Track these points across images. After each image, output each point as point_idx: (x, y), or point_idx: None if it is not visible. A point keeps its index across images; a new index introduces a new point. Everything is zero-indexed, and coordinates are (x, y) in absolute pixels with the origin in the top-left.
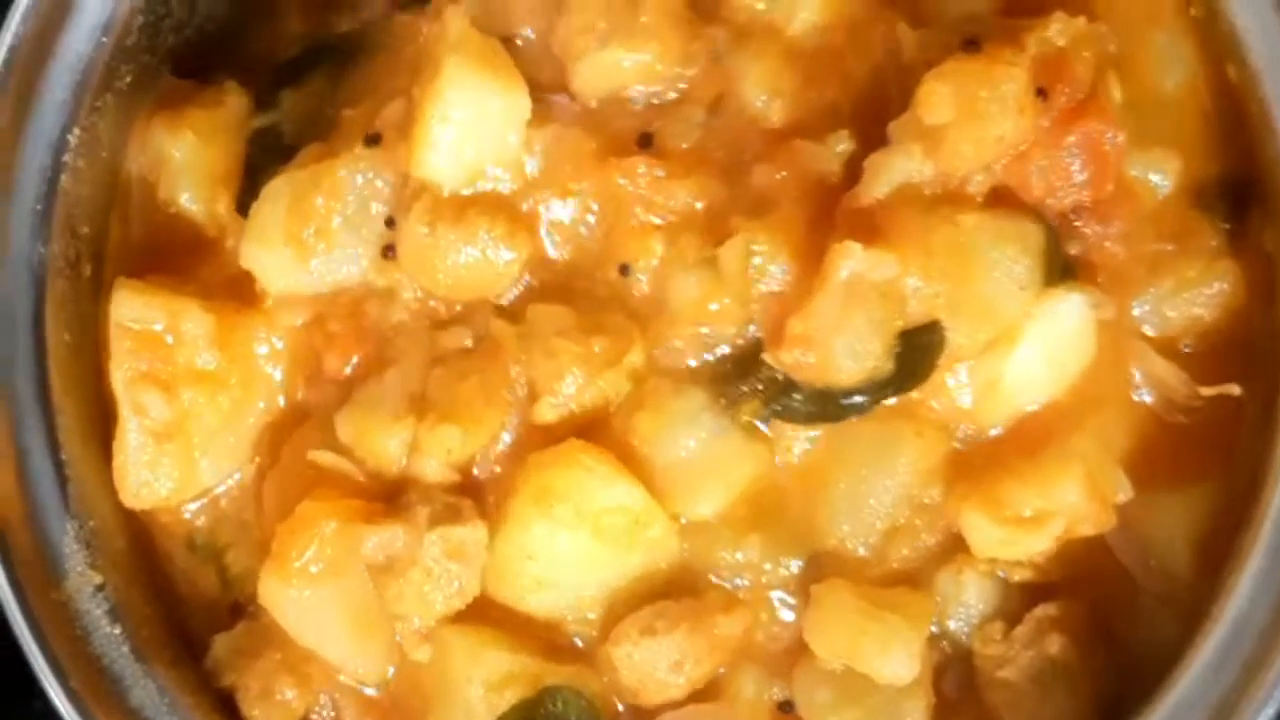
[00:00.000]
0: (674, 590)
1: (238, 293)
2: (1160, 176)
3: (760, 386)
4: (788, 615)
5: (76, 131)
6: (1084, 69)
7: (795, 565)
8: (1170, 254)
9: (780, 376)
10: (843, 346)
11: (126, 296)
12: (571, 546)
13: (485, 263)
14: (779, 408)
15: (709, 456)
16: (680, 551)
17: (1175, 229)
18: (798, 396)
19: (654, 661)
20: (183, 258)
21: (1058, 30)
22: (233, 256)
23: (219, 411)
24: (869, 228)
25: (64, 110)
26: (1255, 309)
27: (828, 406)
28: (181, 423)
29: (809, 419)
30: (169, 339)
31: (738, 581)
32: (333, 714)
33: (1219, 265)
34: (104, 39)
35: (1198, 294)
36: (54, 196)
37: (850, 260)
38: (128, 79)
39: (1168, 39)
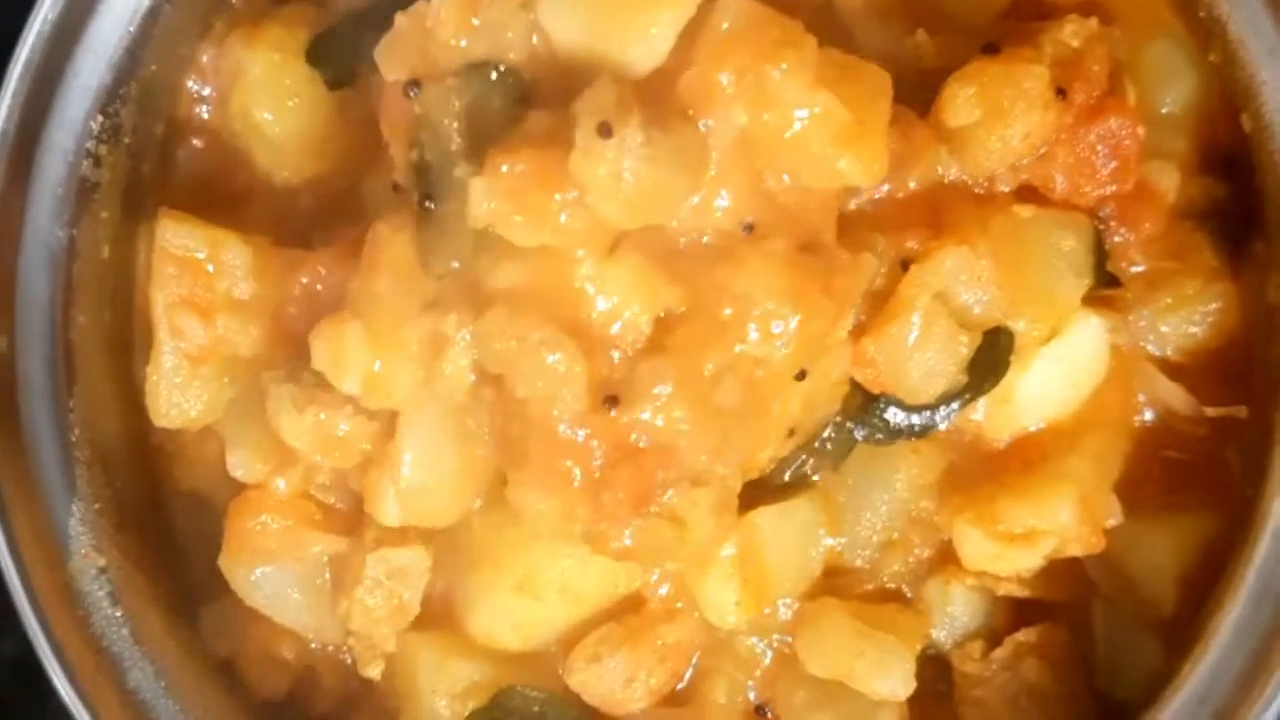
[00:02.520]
0: (618, 611)
1: (276, 229)
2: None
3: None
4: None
5: (100, 118)
6: (1100, 68)
7: None
8: (1170, 270)
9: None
10: (917, 369)
11: (171, 224)
12: (541, 605)
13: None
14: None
15: None
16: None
17: (1177, 246)
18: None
19: (607, 683)
20: (226, 198)
21: (1072, 31)
22: (280, 191)
23: (250, 340)
24: (934, 222)
25: (88, 96)
26: (1251, 336)
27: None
28: (215, 348)
29: (892, 438)
30: (210, 267)
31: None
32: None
33: (1217, 286)
34: (130, 27)
35: (1194, 311)
36: (75, 181)
37: (929, 269)
38: (153, 67)
39: (1167, 55)
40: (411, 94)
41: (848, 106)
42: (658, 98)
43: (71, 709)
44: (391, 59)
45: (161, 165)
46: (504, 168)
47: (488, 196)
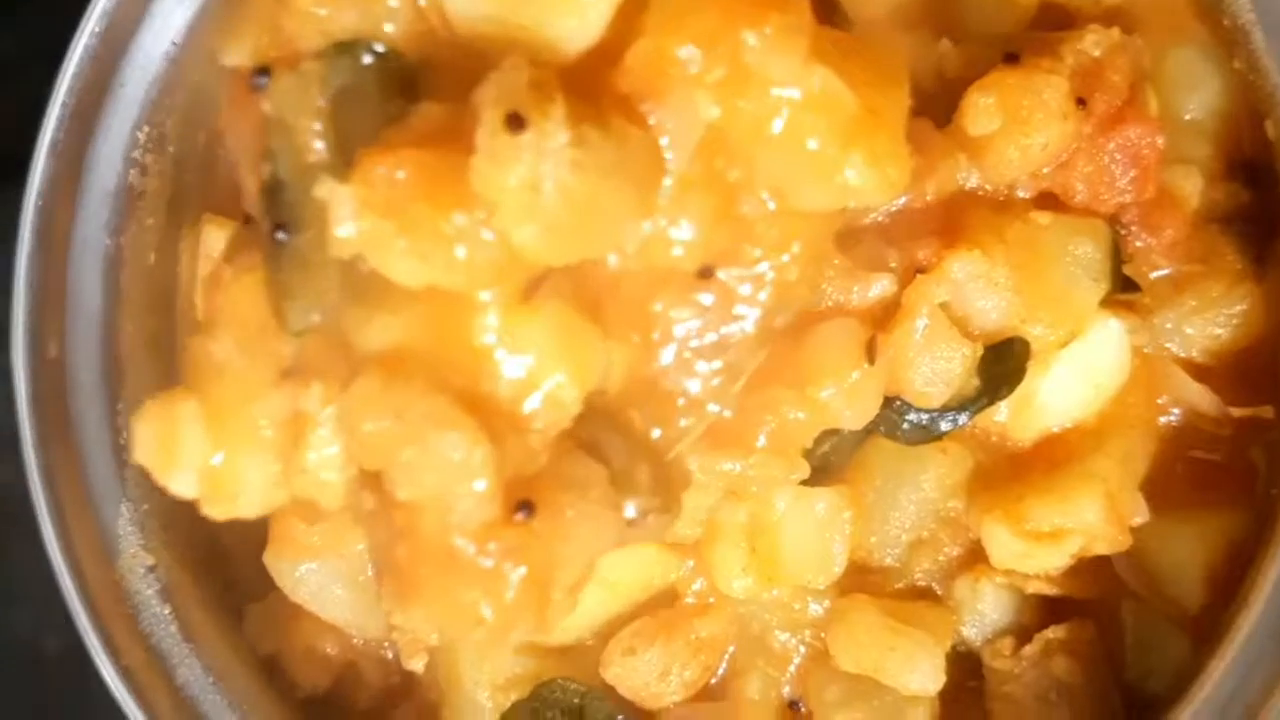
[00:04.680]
0: (652, 605)
1: None
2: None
3: None
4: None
5: (146, 129)
6: (1120, 78)
7: None
8: (1195, 274)
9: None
10: (925, 372)
11: (215, 230)
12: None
13: None
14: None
15: None
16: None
17: (1202, 249)
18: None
19: (642, 676)
20: None
21: (1093, 41)
22: None
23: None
24: (949, 230)
25: (135, 106)
26: (1276, 337)
27: (929, 428)
28: None
29: (911, 440)
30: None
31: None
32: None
33: (1241, 288)
34: (174, 40)
35: (1218, 314)
36: (122, 190)
37: (935, 278)
38: (195, 78)
39: (1190, 62)
40: (258, 85)
41: (855, 91)
42: (592, 88)
43: (121, 704)
44: (231, 39)
45: (204, 173)
46: (379, 171)
47: (356, 212)
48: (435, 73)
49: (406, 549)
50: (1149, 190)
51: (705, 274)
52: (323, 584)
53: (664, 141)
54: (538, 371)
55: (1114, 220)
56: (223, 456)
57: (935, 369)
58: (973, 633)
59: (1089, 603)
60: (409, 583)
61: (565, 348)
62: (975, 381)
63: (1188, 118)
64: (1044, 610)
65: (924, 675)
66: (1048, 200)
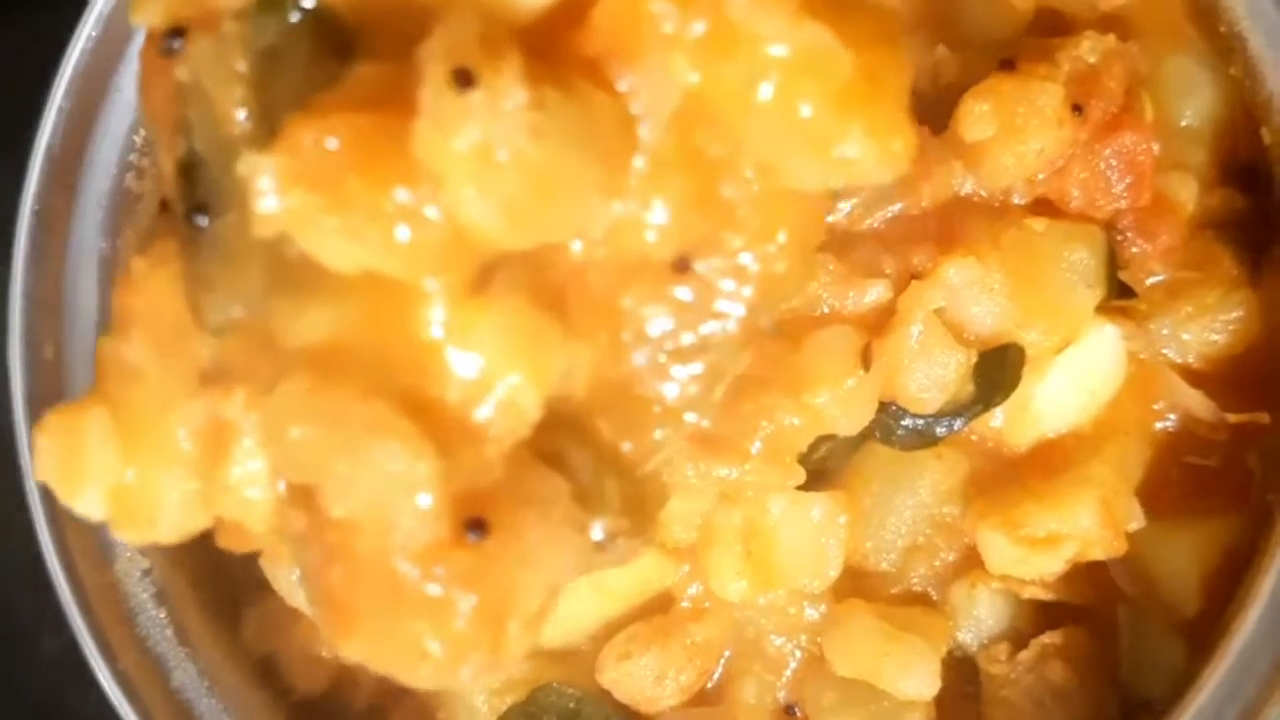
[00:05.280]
0: (648, 609)
1: None
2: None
3: None
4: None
5: (142, 132)
6: (1116, 84)
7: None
8: (1191, 279)
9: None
10: (919, 378)
11: None
12: (575, 601)
13: None
14: (880, 433)
15: None
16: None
17: (1198, 255)
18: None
19: (638, 681)
20: None
21: (1089, 48)
22: None
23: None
24: (944, 236)
25: (130, 111)
26: (1272, 343)
27: (924, 433)
28: None
29: (907, 445)
30: None
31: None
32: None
33: (1237, 294)
34: None
35: (1214, 320)
36: (118, 194)
37: (929, 284)
38: None
39: (1187, 69)
40: (170, 49)
41: (852, 52)
42: (553, 51)
43: (117, 707)
44: None
45: None
46: (307, 139)
47: (281, 186)
48: (372, 32)
49: (341, 573)
50: (1144, 196)
51: (681, 266)
52: None
53: (635, 110)
54: (491, 372)
55: (1110, 226)
56: (135, 473)
57: (930, 375)
58: (968, 638)
59: (1085, 608)
60: (345, 612)
61: (522, 346)
62: (970, 387)
63: (1183, 124)
64: (1040, 615)
65: (919, 680)
66: (1043, 206)
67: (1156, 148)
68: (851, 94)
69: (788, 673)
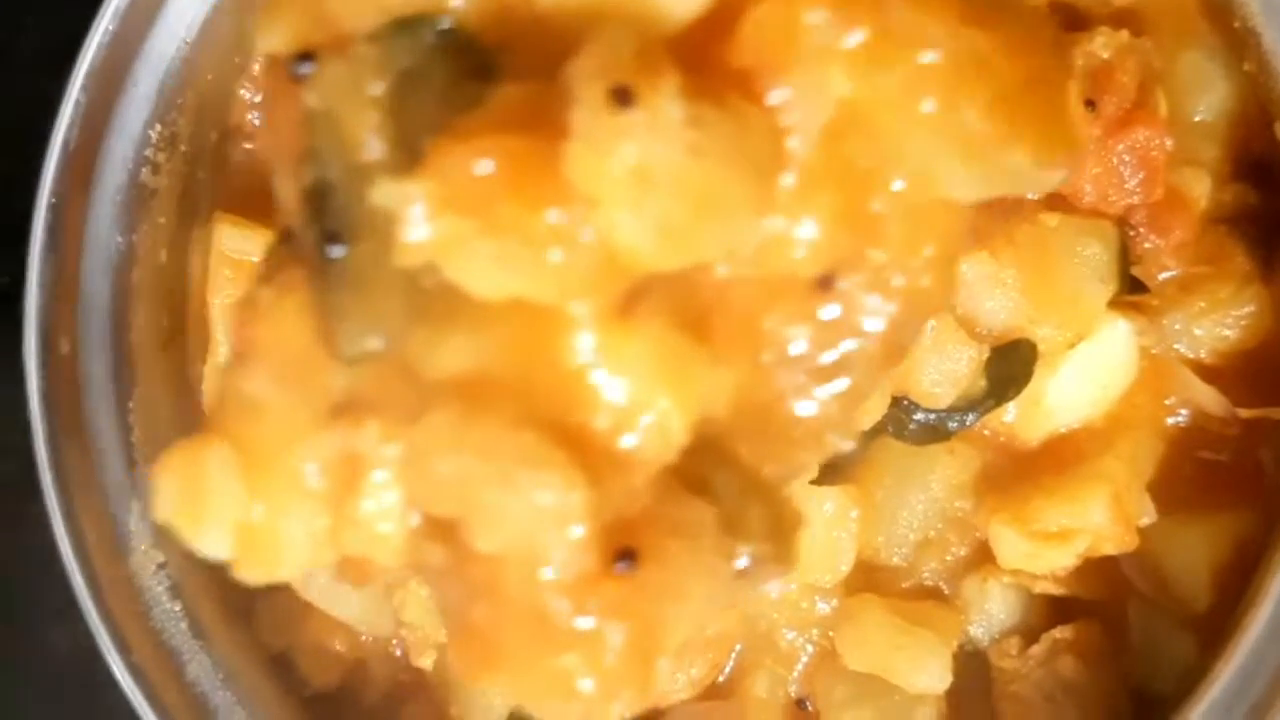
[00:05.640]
0: None
1: None
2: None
3: None
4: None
5: (158, 127)
6: (1129, 79)
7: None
8: (1204, 275)
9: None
10: (931, 372)
11: (228, 229)
12: None
13: None
14: (893, 428)
15: None
16: None
17: (1210, 251)
18: (916, 420)
19: None
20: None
21: (1102, 44)
22: None
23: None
24: None
25: (147, 105)
26: None
27: (937, 428)
28: None
29: (919, 440)
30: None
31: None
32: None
33: (1250, 290)
34: (187, 38)
35: (1226, 315)
36: (134, 188)
37: None
38: (208, 76)
39: (1200, 65)
40: (300, 74)
41: (1016, 60)
42: (701, 64)
43: (131, 700)
44: (266, 20)
45: (216, 171)
46: (456, 164)
47: (432, 213)
48: (512, 51)
49: (486, 609)
50: (1157, 192)
51: (826, 283)
52: (332, 582)
53: (786, 124)
54: (639, 398)
55: (1122, 221)
56: (261, 509)
57: (942, 370)
58: (980, 632)
59: (1096, 603)
60: (489, 649)
61: (669, 369)
62: (982, 383)
63: (1197, 119)
64: (1051, 610)
65: (931, 674)
66: (1056, 201)
67: (1169, 143)
68: (1016, 102)
69: (799, 666)
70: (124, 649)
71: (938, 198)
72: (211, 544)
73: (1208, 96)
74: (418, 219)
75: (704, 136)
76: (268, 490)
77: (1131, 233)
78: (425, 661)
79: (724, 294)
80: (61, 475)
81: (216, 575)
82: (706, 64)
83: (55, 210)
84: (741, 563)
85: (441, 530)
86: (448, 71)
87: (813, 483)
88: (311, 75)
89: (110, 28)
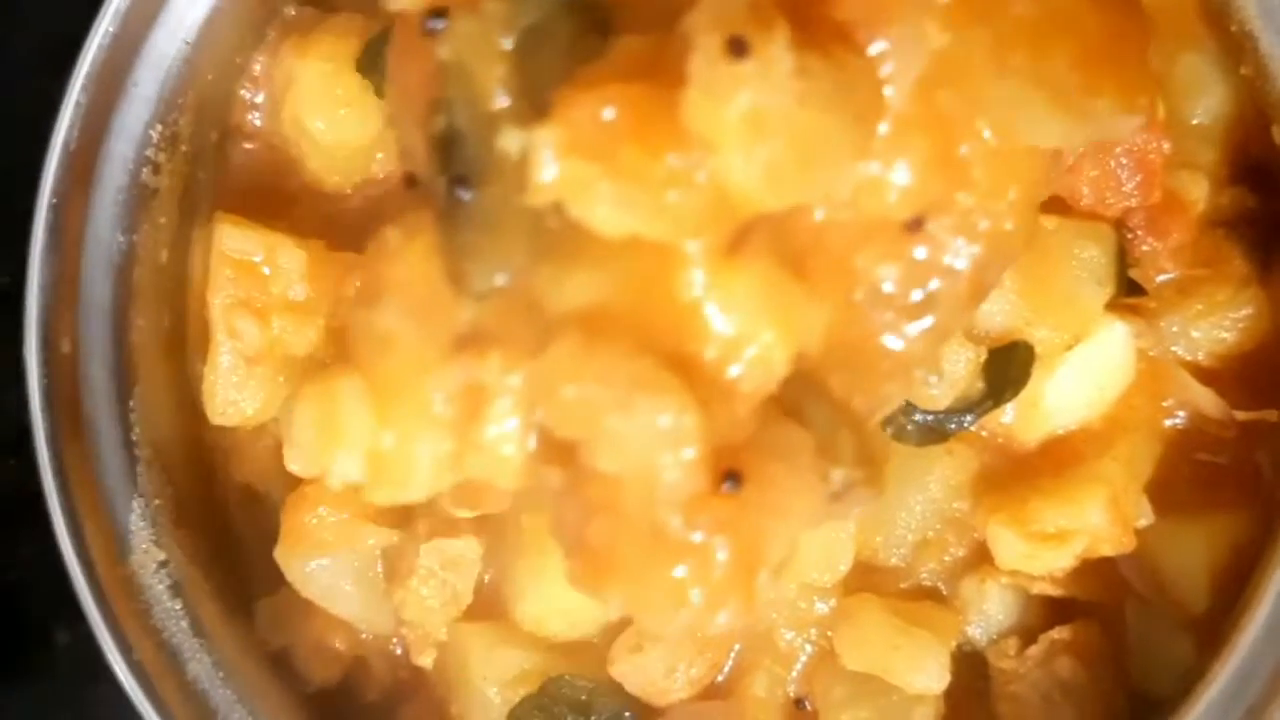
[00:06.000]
0: None
1: (328, 233)
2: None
3: None
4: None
5: (159, 127)
6: None
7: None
8: (1201, 277)
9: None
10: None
11: (229, 229)
12: None
13: None
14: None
15: None
16: None
17: (1208, 253)
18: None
19: (648, 673)
20: (279, 202)
21: None
22: (332, 196)
23: (305, 341)
24: None
25: (148, 105)
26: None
27: (935, 429)
28: (270, 348)
29: (917, 441)
30: (265, 270)
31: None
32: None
33: (1247, 293)
34: (188, 39)
35: (1224, 317)
36: (134, 189)
37: None
38: (209, 77)
39: (1198, 68)
40: (433, 29)
41: (1100, 13)
42: (807, 16)
43: (131, 698)
44: None
45: (216, 171)
46: (582, 110)
47: (560, 155)
48: (630, 6)
49: (603, 526)
50: (1155, 195)
51: (915, 225)
52: (333, 580)
53: (884, 74)
54: (745, 331)
55: (1120, 224)
56: (392, 436)
57: (944, 370)
58: (978, 633)
59: (1094, 604)
60: (606, 562)
61: (773, 305)
62: (980, 384)
63: (1194, 122)
64: (1049, 611)
65: (929, 675)
66: (1054, 204)
67: (1167, 146)
68: (1101, 53)
69: (798, 666)
70: (125, 647)
71: (1021, 145)
72: (345, 468)
73: (1205, 100)
74: (547, 161)
75: (811, 86)
76: (397, 418)
77: (1129, 235)
78: (425, 660)
79: (821, 235)
80: (62, 474)
81: (217, 573)
82: (812, 17)
83: (56, 210)
84: (835, 486)
85: (559, 453)
86: (570, 26)
87: None
88: (443, 30)
89: (111, 28)
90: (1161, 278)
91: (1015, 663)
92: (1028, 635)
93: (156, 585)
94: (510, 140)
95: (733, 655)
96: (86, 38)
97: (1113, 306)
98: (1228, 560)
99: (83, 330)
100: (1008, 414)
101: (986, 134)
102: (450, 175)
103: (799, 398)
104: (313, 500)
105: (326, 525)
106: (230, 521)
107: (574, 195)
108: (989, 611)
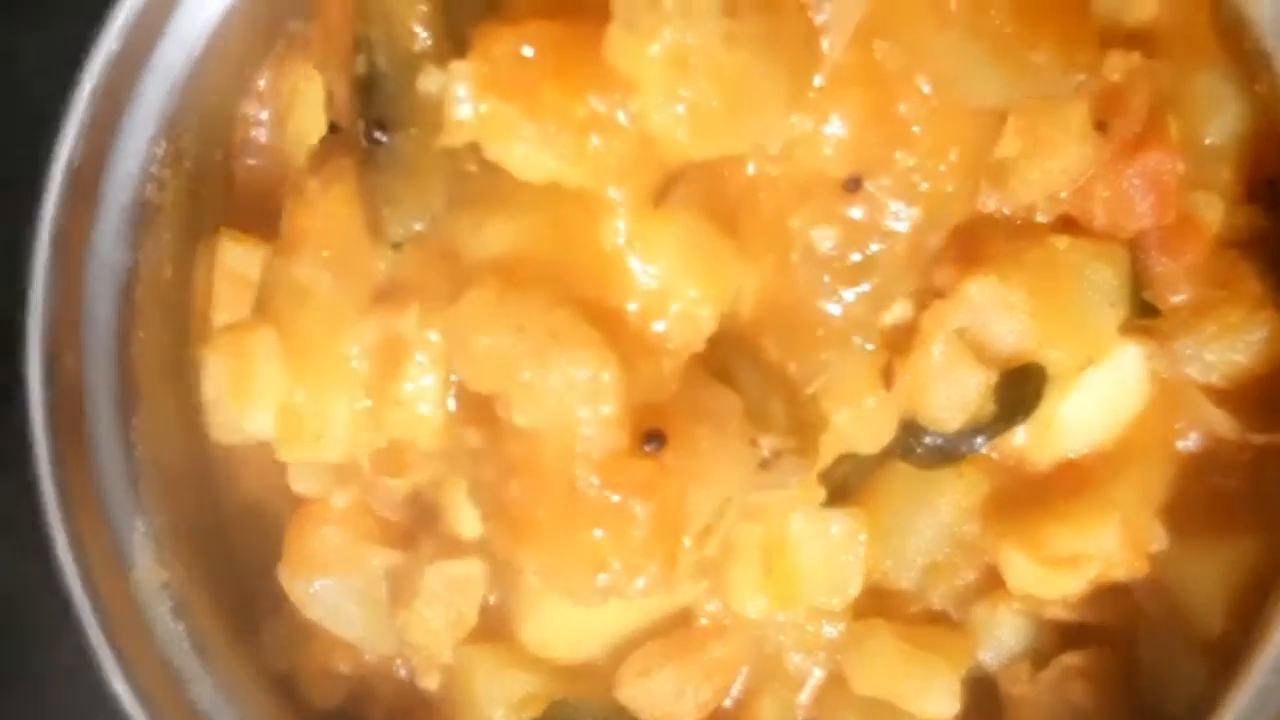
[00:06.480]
0: (667, 626)
1: None
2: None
3: None
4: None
5: (163, 144)
6: (1141, 102)
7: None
8: (1215, 299)
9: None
10: (940, 396)
11: (231, 245)
12: (593, 615)
13: None
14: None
15: None
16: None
17: (1222, 274)
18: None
19: (656, 697)
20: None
21: (1113, 65)
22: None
23: None
24: (966, 255)
25: (152, 121)
26: None
27: (945, 452)
28: None
29: (927, 463)
30: None
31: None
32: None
33: (1261, 314)
34: (193, 54)
35: (1238, 339)
36: (138, 205)
37: (952, 304)
38: (213, 94)
39: (1213, 86)
40: None
41: None
42: None
43: (132, 719)
44: None
45: (219, 187)
46: (502, 47)
47: (477, 93)
48: None
49: (521, 485)
50: (1168, 215)
51: (853, 184)
52: (336, 601)
53: (819, 22)
54: (670, 284)
55: (1133, 245)
56: (304, 391)
57: (952, 394)
58: (989, 658)
59: (1106, 628)
60: (524, 523)
61: (700, 259)
62: (992, 407)
63: (1209, 142)
64: (1061, 636)
65: (940, 700)
66: (1067, 225)
67: (1181, 166)
68: (1041, 3)
69: (807, 691)
70: (126, 668)
71: (962, 103)
72: (256, 423)
73: (1220, 119)
74: (463, 98)
75: (739, 26)
76: (311, 372)
77: (1142, 256)
78: (431, 682)
79: (754, 190)
80: (64, 492)
81: (220, 594)
82: None
83: (59, 226)
84: (765, 453)
85: (478, 412)
86: None
87: (821, 505)
88: None
89: (115, 44)
90: (1175, 299)
91: (1027, 688)
92: (1040, 660)
93: (159, 605)
94: (431, 81)
95: (741, 679)
96: (91, 53)
97: (1126, 328)
98: (1242, 584)
99: (86, 348)
100: (1020, 436)
101: (926, 89)
102: (370, 118)
103: (730, 360)
104: (317, 520)
105: (330, 546)
106: (233, 541)
107: (491, 135)
108: (1000, 636)
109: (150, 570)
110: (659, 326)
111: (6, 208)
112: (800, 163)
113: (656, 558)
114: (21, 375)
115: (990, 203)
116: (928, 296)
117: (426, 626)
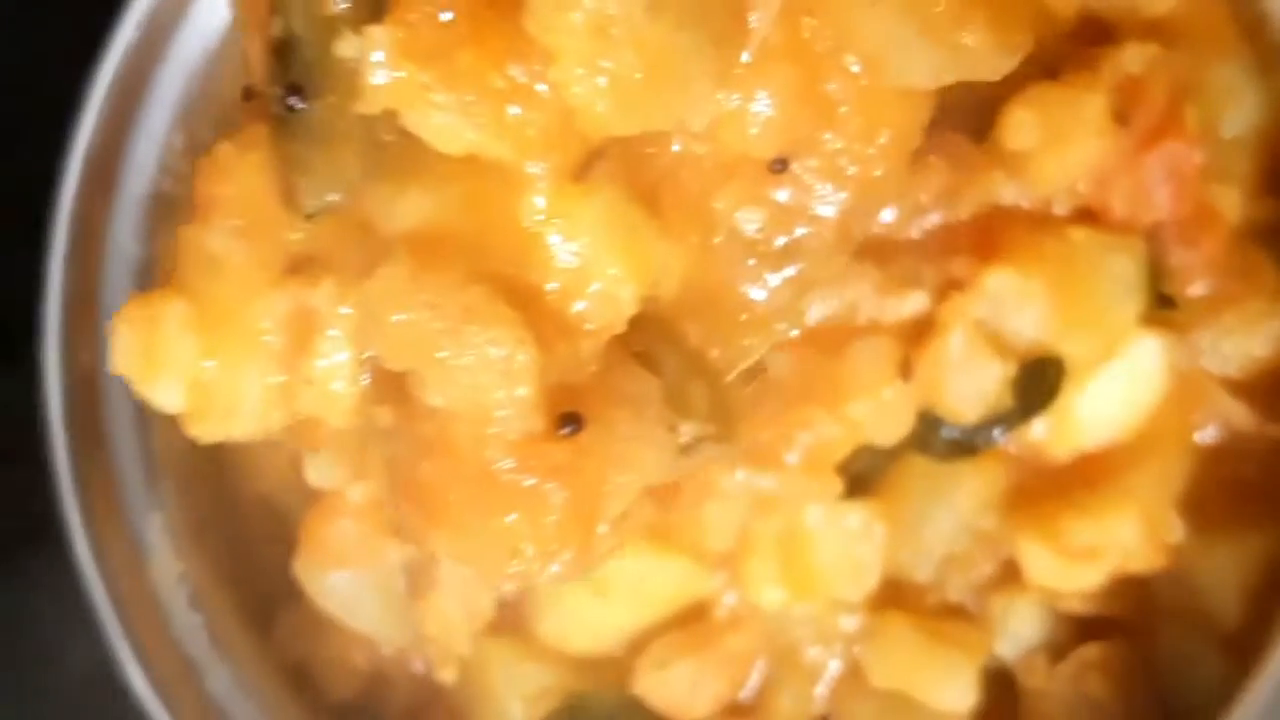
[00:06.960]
0: (684, 618)
1: None
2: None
3: None
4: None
5: (180, 135)
6: (1159, 93)
7: None
8: (1233, 290)
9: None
10: (958, 388)
11: None
12: (610, 607)
13: None
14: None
15: None
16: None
17: (1240, 266)
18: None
19: (673, 689)
20: None
21: (1132, 57)
22: None
23: None
24: (984, 246)
25: (170, 112)
26: None
27: (963, 444)
28: None
29: (945, 455)
30: None
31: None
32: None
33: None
34: (211, 46)
35: (1257, 331)
36: (155, 197)
37: (970, 296)
38: (230, 88)
39: (1232, 78)
40: None
41: None
42: None
43: (150, 712)
44: None
45: None
46: (420, 11)
47: (393, 58)
48: None
49: (433, 466)
50: (1187, 207)
51: (779, 166)
52: (352, 594)
53: None
54: (590, 263)
55: (1152, 236)
56: (215, 364)
57: (969, 386)
58: (1007, 650)
59: (1124, 621)
60: (435, 505)
61: (621, 237)
62: (1009, 399)
63: (1227, 134)
64: (1079, 628)
65: (957, 692)
66: (1085, 216)
67: (1199, 157)
68: None
69: (824, 683)
70: (143, 660)
71: (893, 85)
72: (165, 396)
73: (1238, 110)
74: (378, 64)
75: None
76: (222, 345)
77: (1161, 248)
78: (446, 675)
79: (678, 169)
80: (81, 486)
81: (236, 586)
82: None
83: (76, 218)
84: (685, 438)
85: (392, 391)
86: None
87: (839, 497)
88: None
89: (133, 35)
90: (1193, 291)
91: (1044, 680)
92: (1057, 652)
93: (175, 597)
94: (348, 46)
95: (757, 671)
96: (108, 44)
97: (1144, 320)
98: (1260, 576)
99: (103, 341)
100: (1038, 429)
101: (855, 69)
102: (285, 83)
103: (651, 343)
104: (333, 513)
105: (347, 539)
106: (250, 534)
107: (407, 103)
108: (1018, 629)
109: (167, 562)
110: (578, 306)
111: (24, 199)
112: (725, 142)
113: (571, 543)
114: (39, 366)
115: (1008, 194)
116: (946, 288)
117: (443, 619)
